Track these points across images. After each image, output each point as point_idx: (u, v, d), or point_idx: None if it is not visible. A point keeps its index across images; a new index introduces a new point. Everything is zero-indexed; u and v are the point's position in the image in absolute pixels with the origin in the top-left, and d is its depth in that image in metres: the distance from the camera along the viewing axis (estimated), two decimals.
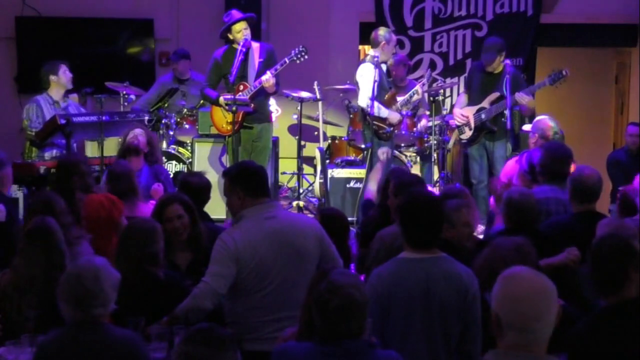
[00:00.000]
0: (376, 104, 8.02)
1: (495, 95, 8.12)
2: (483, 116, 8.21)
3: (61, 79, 8.03)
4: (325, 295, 3.24)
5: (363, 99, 8.18)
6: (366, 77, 8.17)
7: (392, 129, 8.26)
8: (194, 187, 5.64)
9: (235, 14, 7.91)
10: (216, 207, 8.35)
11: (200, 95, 8.43)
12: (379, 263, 4.85)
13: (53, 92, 8.04)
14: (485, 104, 8.22)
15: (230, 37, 7.87)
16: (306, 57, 7.84)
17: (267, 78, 7.70)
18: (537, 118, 7.26)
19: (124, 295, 3.91)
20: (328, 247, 4.52)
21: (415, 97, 8.48)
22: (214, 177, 8.69)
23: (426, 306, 3.89)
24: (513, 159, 7.02)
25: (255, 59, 7.89)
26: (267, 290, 4.32)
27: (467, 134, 8.38)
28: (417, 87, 8.46)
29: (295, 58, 7.82)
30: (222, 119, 8.05)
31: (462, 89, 10.39)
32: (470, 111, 8.35)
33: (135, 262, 4.38)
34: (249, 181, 4.52)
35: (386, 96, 8.30)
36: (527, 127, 7.43)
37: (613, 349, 3.43)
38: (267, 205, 4.47)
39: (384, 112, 8.11)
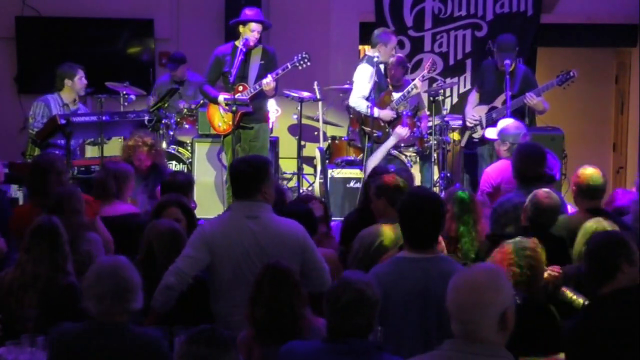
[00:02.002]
0: (369, 103, 8.05)
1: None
2: (494, 115, 8.20)
3: (76, 85, 7.96)
4: (336, 290, 3.31)
5: (353, 98, 8.26)
6: (361, 77, 8.18)
7: (382, 132, 8.25)
8: (175, 185, 5.67)
9: (260, 14, 7.95)
10: (215, 207, 8.39)
11: (199, 92, 8.44)
12: (358, 262, 4.89)
13: (65, 95, 7.99)
14: (497, 103, 8.22)
15: (240, 30, 7.86)
16: (309, 63, 7.86)
17: (268, 82, 7.72)
18: (503, 125, 7.03)
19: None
20: (312, 255, 4.43)
21: (415, 91, 8.42)
22: (212, 177, 8.74)
23: (423, 306, 3.88)
24: (494, 166, 6.86)
25: (256, 60, 7.89)
26: (243, 289, 4.19)
27: (480, 132, 8.37)
28: (416, 81, 8.43)
29: (297, 64, 7.84)
30: (219, 118, 8.05)
31: (462, 89, 10.42)
32: (482, 110, 8.35)
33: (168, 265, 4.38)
34: (232, 181, 4.57)
35: (383, 95, 8.31)
36: (490, 133, 7.23)
37: (608, 336, 3.45)
38: (253, 205, 4.43)
39: (375, 111, 8.12)
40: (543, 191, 5.21)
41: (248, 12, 7.89)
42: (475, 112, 8.42)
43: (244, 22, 7.85)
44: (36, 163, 5.99)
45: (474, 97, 8.60)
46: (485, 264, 3.14)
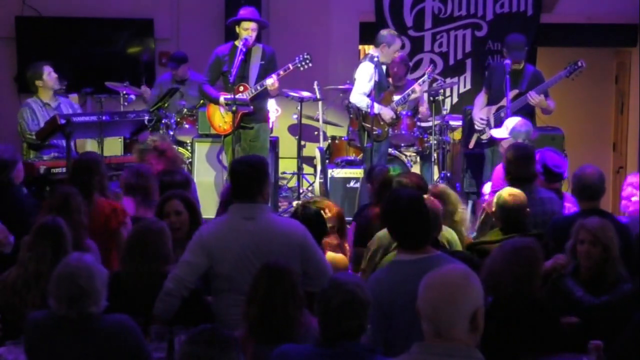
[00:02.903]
0: (369, 100, 8.06)
1: (514, 92, 8.08)
2: (502, 114, 8.17)
3: (47, 83, 7.89)
4: (327, 292, 3.29)
5: (354, 95, 8.26)
6: (362, 75, 8.20)
7: (382, 131, 8.25)
8: (173, 184, 5.66)
9: (254, 12, 7.95)
10: (215, 207, 8.38)
11: (199, 92, 8.43)
12: (375, 264, 4.85)
13: (42, 95, 7.93)
14: (505, 102, 8.20)
15: (237, 29, 7.88)
16: (310, 64, 7.86)
17: (273, 82, 7.73)
18: (512, 123, 7.03)
19: (138, 296, 4.12)
20: (312, 255, 4.39)
21: (413, 96, 8.45)
22: (212, 177, 8.74)
23: None
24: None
25: (257, 61, 7.90)
26: (242, 290, 4.15)
27: (488, 134, 8.33)
28: (415, 86, 8.45)
29: (299, 65, 7.85)
30: (219, 118, 8.05)
31: (462, 88, 10.42)
32: (489, 111, 8.32)
33: (148, 263, 4.36)
34: (233, 182, 4.55)
35: (383, 94, 8.32)
36: (498, 133, 7.19)
37: None
38: (251, 206, 4.42)
39: (376, 107, 8.12)
40: (507, 190, 5.20)
41: (242, 11, 7.92)
42: (482, 114, 8.37)
43: (239, 22, 7.86)
44: (82, 162, 5.77)
45: (481, 99, 8.53)
46: (455, 264, 3.14)
